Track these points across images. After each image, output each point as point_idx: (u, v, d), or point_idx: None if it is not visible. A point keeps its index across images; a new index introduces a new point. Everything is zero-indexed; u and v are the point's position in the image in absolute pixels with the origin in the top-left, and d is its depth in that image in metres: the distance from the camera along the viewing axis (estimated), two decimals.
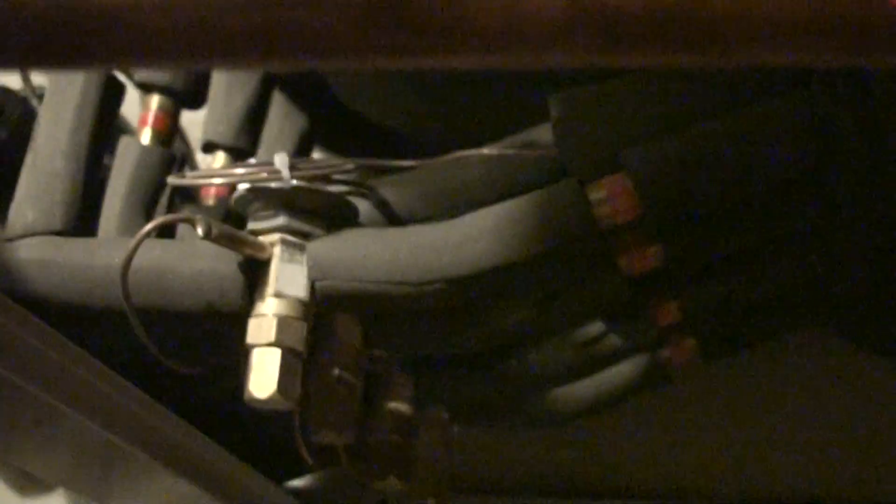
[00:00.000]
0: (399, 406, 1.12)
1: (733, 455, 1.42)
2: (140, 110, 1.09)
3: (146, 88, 1.09)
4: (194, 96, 1.13)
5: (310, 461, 1.09)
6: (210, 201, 1.14)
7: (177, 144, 1.19)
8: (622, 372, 1.16)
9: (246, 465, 1.22)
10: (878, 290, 1.17)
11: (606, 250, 0.98)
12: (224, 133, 1.18)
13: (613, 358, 1.15)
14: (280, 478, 1.37)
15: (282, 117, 1.25)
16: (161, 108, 1.09)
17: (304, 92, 1.27)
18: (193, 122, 1.26)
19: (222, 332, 0.93)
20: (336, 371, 0.97)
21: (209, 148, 1.18)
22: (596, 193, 0.89)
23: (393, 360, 1.12)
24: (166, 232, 1.01)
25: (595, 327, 1.10)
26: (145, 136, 1.08)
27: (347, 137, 1.39)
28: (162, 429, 1.03)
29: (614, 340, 1.10)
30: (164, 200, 1.07)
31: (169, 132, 1.09)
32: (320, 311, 0.93)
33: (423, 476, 1.19)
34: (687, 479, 1.41)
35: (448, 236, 0.88)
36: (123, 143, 1.06)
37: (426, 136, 1.26)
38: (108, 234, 1.03)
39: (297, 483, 1.44)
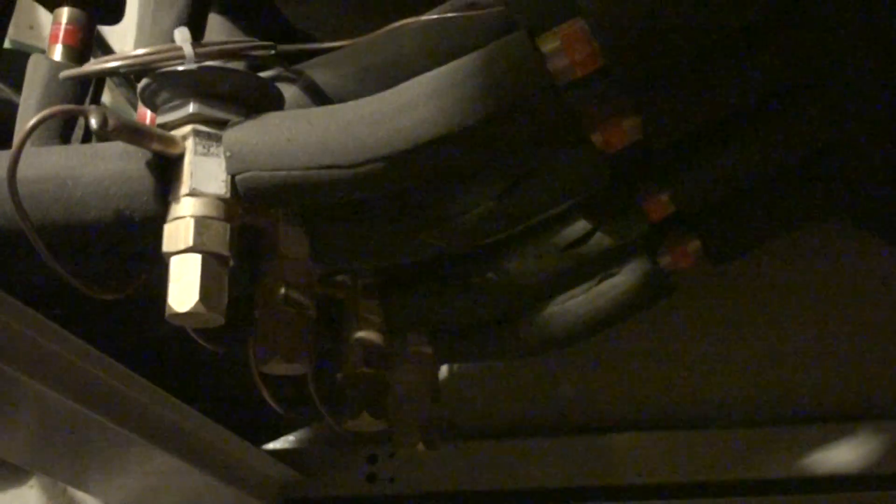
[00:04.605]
0: (368, 335, 1.02)
1: (750, 373, 1.29)
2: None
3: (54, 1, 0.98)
4: (110, 9, 1.01)
5: (272, 403, 0.99)
6: None
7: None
8: (619, 283, 1.05)
9: (224, 428, 1.12)
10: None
11: (576, 124, 0.86)
12: None
13: (605, 263, 1.03)
14: (262, 440, 1.27)
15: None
16: (72, 21, 0.97)
17: (246, 12, 1.15)
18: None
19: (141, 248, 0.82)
20: (282, 290, 0.86)
21: None
22: (549, 44, 0.78)
23: (357, 284, 1.01)
24: None
25: (579, 226, 0.98)
26: (56, 53, 0.96)
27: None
28: (130, 395, 0.96)
29: (602, 240, 0.98)
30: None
31: (82, 48, 0.97)
32: (250, 216, 0.82)
33: (405, 416, 1.08)
34: (701, 404, 1.29)
35: (382, 107, 0.77)
36: (33, 60, 0.95)
37: None
38: None
39: (279, 445, 1.33)
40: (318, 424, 1.34)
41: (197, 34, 1.09)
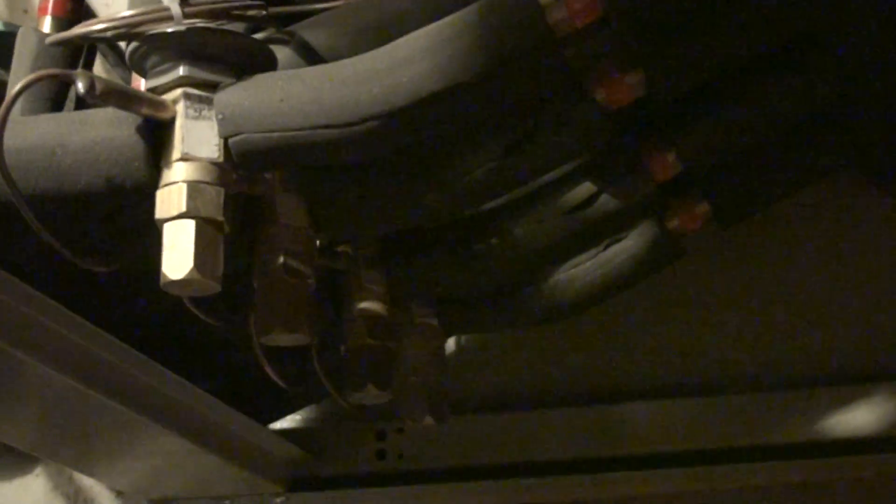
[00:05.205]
0: (371, 306, 0.99)
1: (763, 337, 1.27)
2: None
3: None
4: None
5: (275, 377, 0.97)
6: None
7: None
8: (626, 248, 1.03)
9: (231, 408, 1.10)
10: None
11: (578, 80, 0.84)
12: None
13: (612, 228, 1.01)
14: (269, 419, 1.25)
15: None
16: None
17: None
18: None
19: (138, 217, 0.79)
20: (281, 259, 0.84)
21: None
22: None
23: (359, 254, 0.99)
24: None
25: (584, 188, 0.96)
26: (45, 25, 0.95)
27: None
28: (135, 375, 0.93)
29: (608, 202, 0.96)
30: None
31: (71, 18, 0.96)
32: (246, 184, 0.79)
33: (413, 390, 1.06)
34: (714, 370, 1.27)
35: (377, 64, 0.74)
36: (21, 33, 0.93)
37: None
38: None
39: (286, 424, 1.31)
40: (325, 402, 1.32)
41: None
